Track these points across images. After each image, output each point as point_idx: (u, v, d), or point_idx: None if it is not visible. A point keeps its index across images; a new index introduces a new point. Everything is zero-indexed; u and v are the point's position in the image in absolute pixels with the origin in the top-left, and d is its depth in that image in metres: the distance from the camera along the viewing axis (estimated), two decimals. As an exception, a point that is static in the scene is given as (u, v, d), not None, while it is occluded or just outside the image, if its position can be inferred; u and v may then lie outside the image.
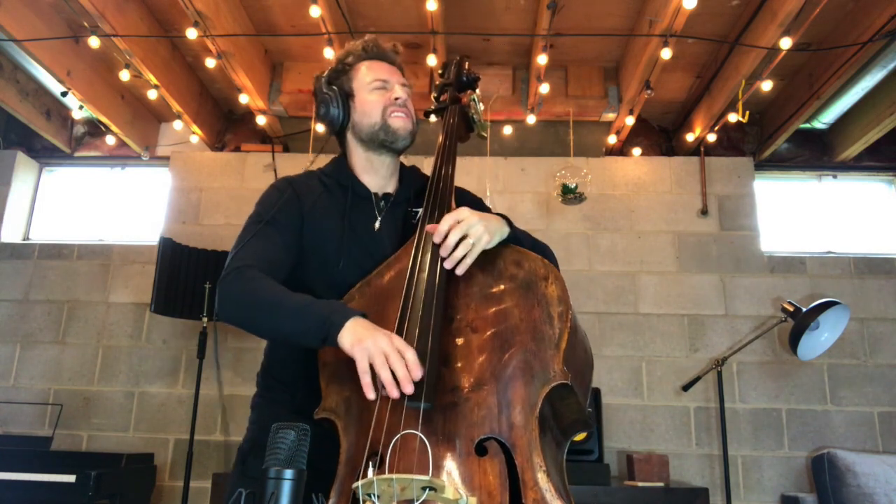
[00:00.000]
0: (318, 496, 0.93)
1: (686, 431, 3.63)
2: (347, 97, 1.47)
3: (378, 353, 1.06)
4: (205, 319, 3.40)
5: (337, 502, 1.07)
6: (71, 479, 2.89)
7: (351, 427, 1.16)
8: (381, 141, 1.45)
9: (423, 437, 1.03)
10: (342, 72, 1.49)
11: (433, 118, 1.68)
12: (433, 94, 1.71)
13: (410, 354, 1.07)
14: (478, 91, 1.69)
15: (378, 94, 1.45)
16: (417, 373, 1.06)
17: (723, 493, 3.29)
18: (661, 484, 3.07)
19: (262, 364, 1.48)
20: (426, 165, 1.49)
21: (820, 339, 3.26)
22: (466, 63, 1.70)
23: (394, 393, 1.05)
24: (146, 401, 3.74)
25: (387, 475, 0.95)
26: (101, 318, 3.88)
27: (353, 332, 1.11)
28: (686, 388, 3.40)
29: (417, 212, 1.46)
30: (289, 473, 0.87)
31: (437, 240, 1.24)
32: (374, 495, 0.95)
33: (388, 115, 1.44)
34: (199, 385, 3.40)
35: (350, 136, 1.49)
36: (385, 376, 1.05)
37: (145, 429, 3.70)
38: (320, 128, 3.89)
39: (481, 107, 1.67)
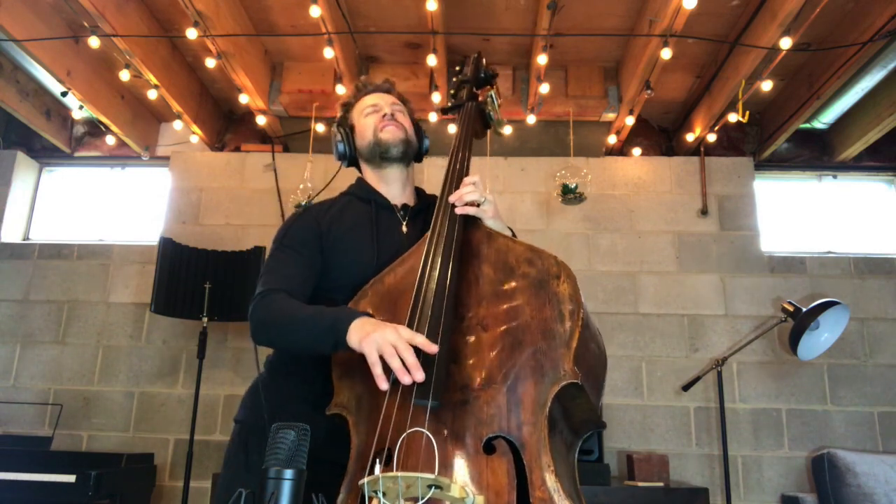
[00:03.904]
0: (317, 496, 0.93)
1: (686, 431, 3.63)
2: (352, 130, 1.64)
3: (386, 344, 1.09)
4: (205, 319, 3.39)
5: (346, 497, 1.08)
6: (71, 479, 2.89)
7: (361, 423, 1.17)
8: (379, 154, 1.58)
9: (429, 435, 1.03)
10: (345, 114, 1.68)
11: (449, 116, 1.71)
12: (450, 91, 1.75)
13: (420, 338, 1.10)
14: (495, 88, 1.70)
15: (371, 118, 1.61)
16: (432, 349, 1.09)
17: (723, 493, 3.29)
18: (661, 484, 3.07)
19: (273, 352, 1.53)
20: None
21: (820, 339, 3.26)
22: (484, 59, 1.72)
23: (405, 379, 1.07)
24: (146, 401, 3.74)
25: (392, 473, 0.96)
26: (101, 318, 3.88)
27: (359, 330, 1.15)
28: (686, 388, 3.40)
29: None
30: (289, 473, 0.87)
31: (454, 200, 1.35)
32: (379, 492, 0.96)
33: (378, 130, 1.58)
34: (199, 385, 3.40)
35: (360, 162, 1.66)
36: (396, 365, 1.07)
37: (145, 429, 3.70)
38: (321, 127, 3.86)
39: (498, 103, 1.68)
